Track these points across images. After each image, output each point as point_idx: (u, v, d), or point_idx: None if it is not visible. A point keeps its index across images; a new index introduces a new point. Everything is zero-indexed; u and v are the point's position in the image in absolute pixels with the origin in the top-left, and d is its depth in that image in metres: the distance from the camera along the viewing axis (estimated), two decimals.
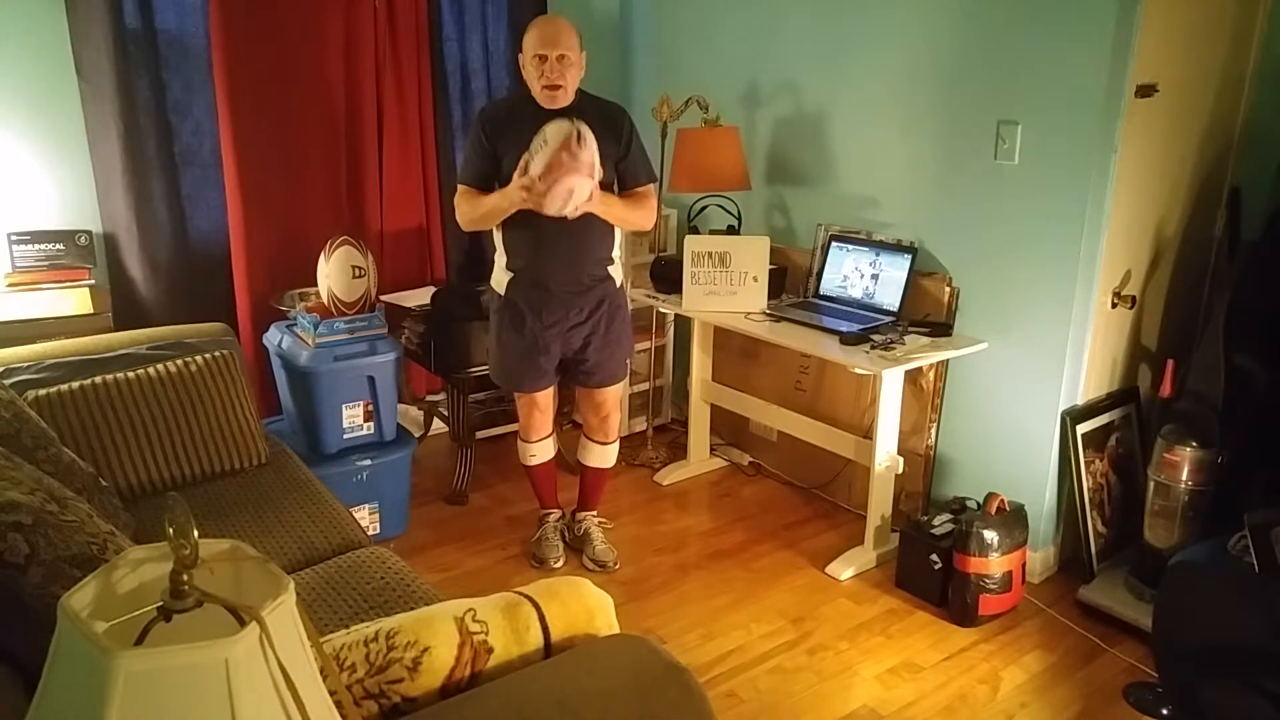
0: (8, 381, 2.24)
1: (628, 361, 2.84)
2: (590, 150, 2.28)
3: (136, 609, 0.77)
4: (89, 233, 2.99)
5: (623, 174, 2.61)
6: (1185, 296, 2.96)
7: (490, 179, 2.53)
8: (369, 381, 2.93)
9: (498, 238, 2.63)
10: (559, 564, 2.91)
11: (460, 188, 2.59)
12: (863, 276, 3.10)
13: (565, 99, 2.49)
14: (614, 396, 2.84)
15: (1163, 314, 2.94)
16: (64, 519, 1.28)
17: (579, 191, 2.31)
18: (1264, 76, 2.76)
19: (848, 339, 2.79)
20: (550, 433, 2.90)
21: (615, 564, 2.92)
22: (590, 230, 2.54)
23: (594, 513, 3.04)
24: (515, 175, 2.36)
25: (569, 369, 2.76)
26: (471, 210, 2.55)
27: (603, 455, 2.93)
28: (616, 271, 2.70)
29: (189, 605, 0.76)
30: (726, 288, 3.13)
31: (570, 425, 3.65)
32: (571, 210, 2.35)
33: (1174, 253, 2.88)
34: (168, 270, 3.19)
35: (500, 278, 2.65)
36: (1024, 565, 2.70)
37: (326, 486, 2.42)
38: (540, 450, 2.89)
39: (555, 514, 3.01)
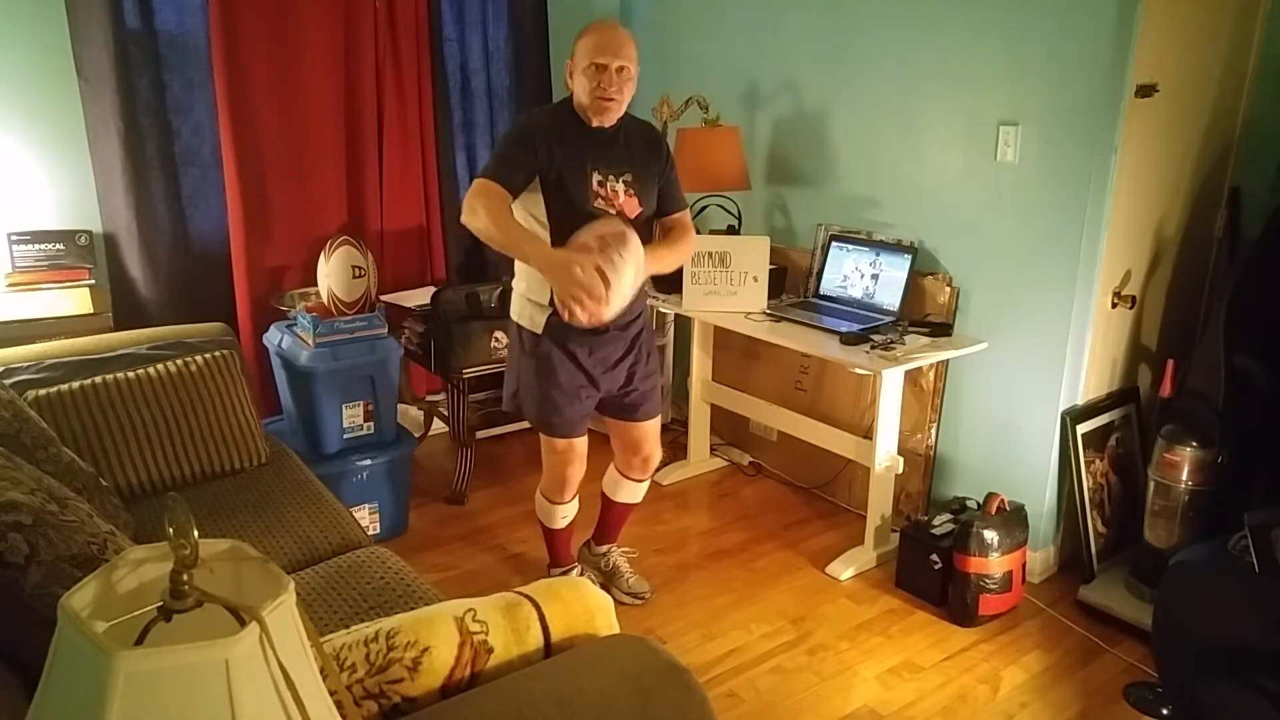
0: (8, 381, 2.24)
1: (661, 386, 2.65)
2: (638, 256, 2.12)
3: (136, 609, 0.77)
4: (89, 233, 2.99)
5: (663, 196, 2.42)
6: (1185, 296, 2.96)
7: (521, 187, 2.24)
8: (369, 381, 2.93)
9: (533, 273, 2.31)
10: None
11: (485, 182, 2.19)
12: (863, 276, 3.10)
13: (617, 115, 2.28)
14: (656, 431, 2.61)
15: (1163, 314, 2.94)
16: (64, 519, 1.28)
17: (626, 293, 2.11)
18: (1264, 76, 2.76)
19: (848, 339, 2.79)
20: (577, 490, 2.65)
21: (650, 593, 2.77)
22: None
23: (617, 544, 2.86)
24: (580, 245, 2.09)
25: (612, 406, 2.52)
26: (498, 221, 2.15)
27: (636, 492, 2.71)
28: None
29: (189, 605, 0.76)
30: (726, 288, 3.13)
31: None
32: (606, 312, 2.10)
33: (1174, 253, 2.88)
34: (168, 270, 3.19)
35: (533, 315, 2.36)
36: (1024, 565, 2.70)
37: (326, 486, 2.42)
38: (570, 510, 2.64)
39: (578, 569, 2.79)
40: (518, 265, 2.40)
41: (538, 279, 2.31)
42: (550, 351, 2.36)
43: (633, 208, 2.34)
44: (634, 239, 2.13)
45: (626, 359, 2.46)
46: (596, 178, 2.28)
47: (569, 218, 2.23)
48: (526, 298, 2.39)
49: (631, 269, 2.11)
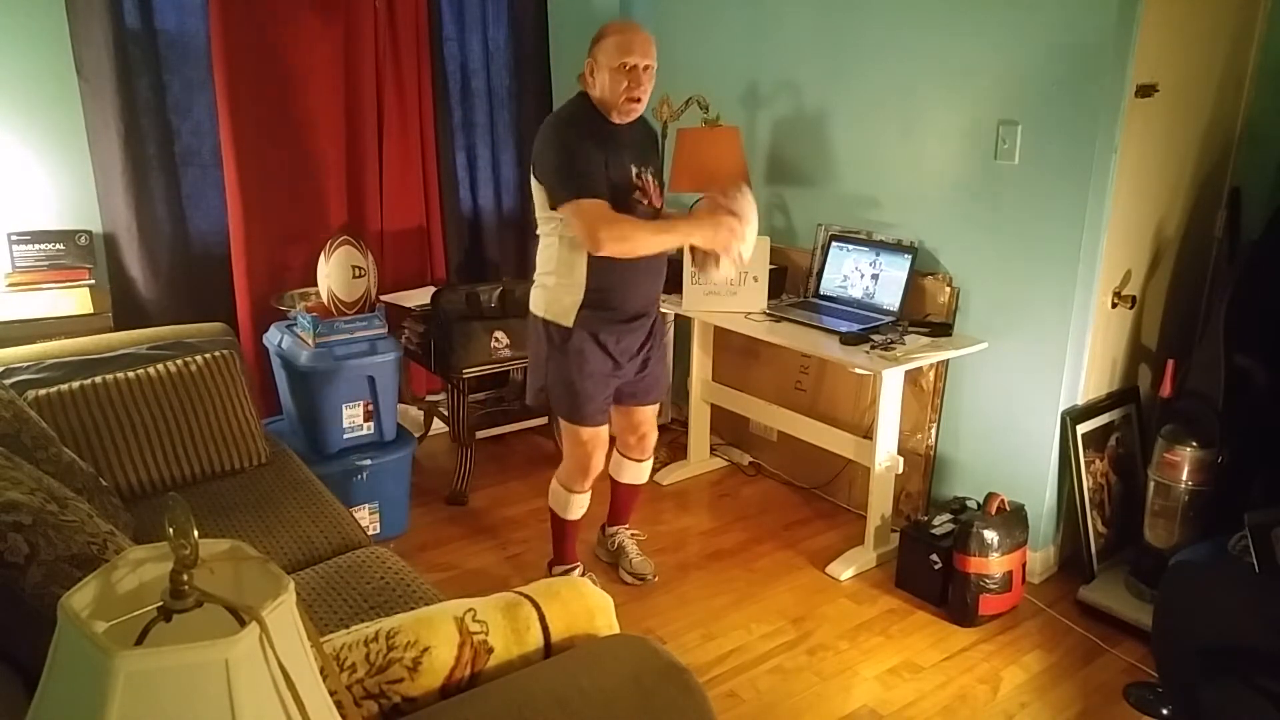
0: (8, 381, 2.24)
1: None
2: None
3: (136, 609, 0.77)
4: (89, 233, 2.99)
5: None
6: (1185, 296, 2.96)
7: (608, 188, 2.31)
8: (369, 381, 2.93)
9: (574, 268, 2.37)
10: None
11: (585, 204, 2.24)
12: (863, 276, 3.10)
13: (640, 112, 2.37)
14: (653, 412, 2.73)
15: (1163, 314, 2.94)
16: (64, 519, 1.28)
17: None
18: (1264, 76, 2.76)
19: (848, 339, 2.79)
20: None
21: (653, 575, 2.86)
22: (665, 258, 2.50)
23: (626, 525, 2.95)
24: (709, 208, 2.32)
25: (625, 390, 2.60)
26: (636, 232, 2.26)
27: (639, 472, 2.82)
28: None
29: (189, 605, 0.76)
30: (726, 288, 3.13)
31: None
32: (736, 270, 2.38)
33: (1174, 253, 2.88)
34: (168, 270, 3.19)
35: (565, 309, 2.40)
36: (1024, 565, 2.70)
37: (326, 486, 2.42)
38: (585, 501, 2.70)
39: (579, 568, 2.80)
40: (546, 258, 2.44)
41: (570, 270, 2.38)
42: (584, 343, 2.42)
43: (658, 198, 2.45)
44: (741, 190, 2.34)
45: (645, 347, 2.57)
46: (635, 170, 2.38)
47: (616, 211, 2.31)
48: (556, 291, 2.42)
49: (750, 206, 2.31)
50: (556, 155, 2.28)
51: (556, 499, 2.69)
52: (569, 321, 2.40)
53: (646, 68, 2.30)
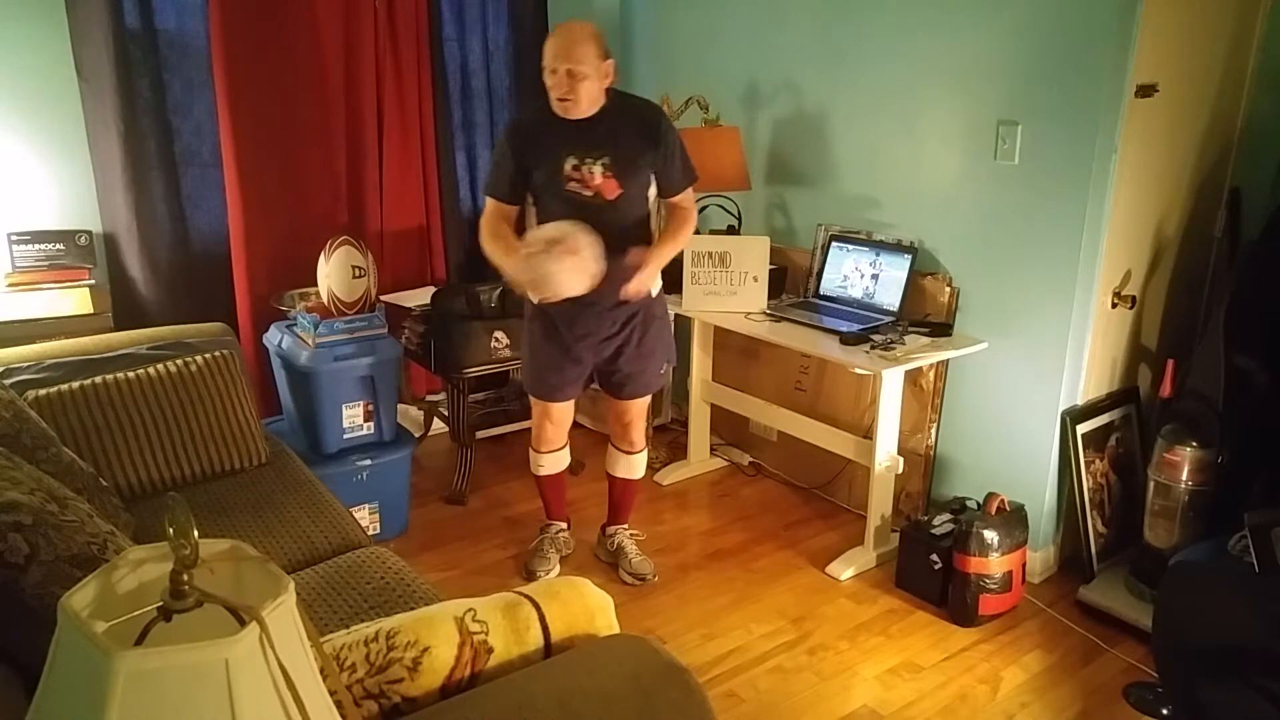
0: (8, 381, 2.24)
1: (662, 372, 2.75)
2: (581, 255, 2.28)
3: (136, 609, 0.77)
4: (89, 233, 2.99)
5: (662, 180, 2.53)
6: (1185, 296, 2.96)
7: (516, 192, 2.52)
8: (369, 381, 2.93)
9: None
10: (551, 578, 2.87)
11: (488, 201, 2.56)
12: (863, 276, 3.10)
13: (581, 111, 2.40)
14: (637, 405, 2.76)
15: (1163, 314, 2.94)
16: (64, 519, 1.28)
17: (561, 283, 2.29)
18: (1264, 76, 2.76)
19: (848, 339, 2.79)
20: (562, 445, 2.82)
21: (654, 575, 2.86)
22: (623, 243, 2.47)
23: (625, 525, 2.97)
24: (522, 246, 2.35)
25: (601, 379, 2.71)
26: (489, 237, 2.50)
27: (630, 465, 2.85)
28: (655, 283, 2.62)
29: (189, 605, 0.76)
30: (726, 288, 3.13)
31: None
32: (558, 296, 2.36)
33: (1174, 253, 2.88)
34: (168, 270, 3.19)
35: None
36: (1024, 565, 2.70)
37: (326, 486, 2.42)
38: (549, 462, 2.82)
39: (558, 526, 2.94)
40: None
41: None
42: (537, 320, 2.62)
43: (611, 189, 2.45)
44: (572, 239, 2.28)
45: (614, 339, 2.60)
46: (571, 162, 2.42)
47: (545, 201, 2.49)
48: None
49: (554, 259, 2.26)
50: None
51: (530, 456, 2.86)
52: (534, 300, 2.55)
53: (569, 71, 2.34)
